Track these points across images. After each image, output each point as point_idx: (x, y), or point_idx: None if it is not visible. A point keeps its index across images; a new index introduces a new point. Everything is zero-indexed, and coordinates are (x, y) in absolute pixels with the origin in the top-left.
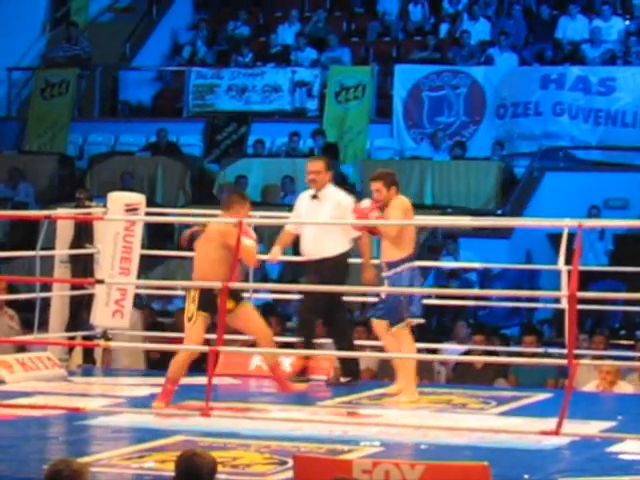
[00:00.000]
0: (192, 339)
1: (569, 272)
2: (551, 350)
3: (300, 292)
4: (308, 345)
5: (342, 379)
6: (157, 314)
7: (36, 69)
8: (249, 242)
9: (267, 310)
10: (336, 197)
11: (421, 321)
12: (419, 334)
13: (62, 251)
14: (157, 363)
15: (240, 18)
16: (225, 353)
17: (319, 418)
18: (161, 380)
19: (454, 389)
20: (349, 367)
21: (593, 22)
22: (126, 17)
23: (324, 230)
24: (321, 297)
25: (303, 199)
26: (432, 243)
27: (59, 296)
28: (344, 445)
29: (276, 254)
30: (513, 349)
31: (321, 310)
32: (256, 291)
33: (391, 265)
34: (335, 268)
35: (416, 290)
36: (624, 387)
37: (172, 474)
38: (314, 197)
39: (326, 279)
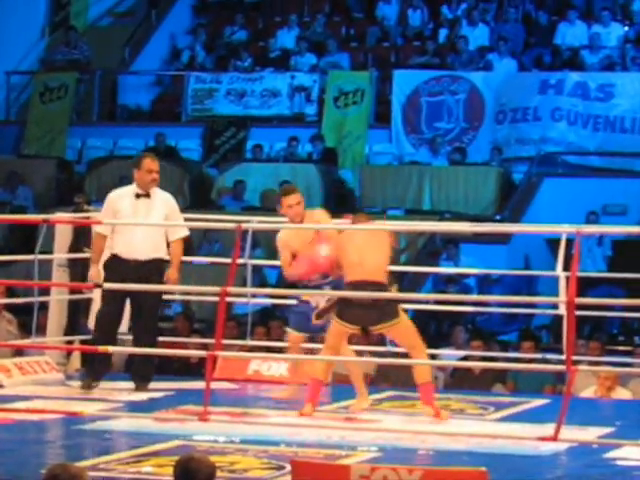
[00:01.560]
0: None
1: (567, 278)
2: (549, 356)
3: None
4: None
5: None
6: None
7: (35, 73)
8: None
9: (266, 315)
10: (164, 195)
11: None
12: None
13: (60, 255)
14: (155, 368)
15: (238, 23)
16: (223, 358)
17: (317, 423)
18: (159, 385)
19: (452, 394)
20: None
21: (592, 28)
22: (125, 21)
23: (158, 230)
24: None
25: (122, 197)
26: (431, 248)
27: (57, 300)
28: (342, 450)
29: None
30: (511, 355)
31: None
32: (254, 296)
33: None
34: (163, 271)
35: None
36: (622, 393)
37: (170, 478)
38: (140, 196)
39: (155, 282)
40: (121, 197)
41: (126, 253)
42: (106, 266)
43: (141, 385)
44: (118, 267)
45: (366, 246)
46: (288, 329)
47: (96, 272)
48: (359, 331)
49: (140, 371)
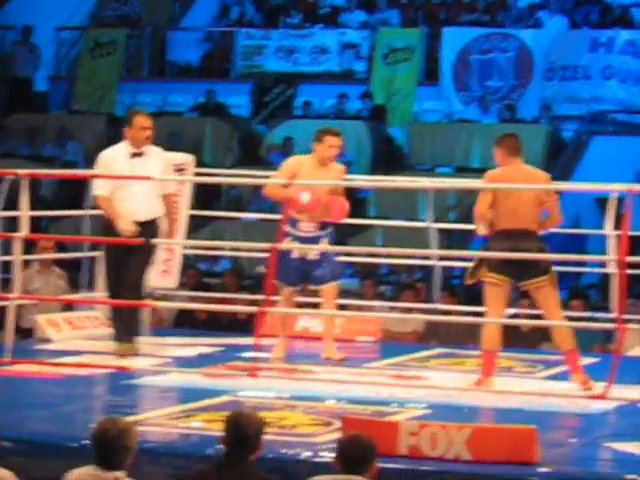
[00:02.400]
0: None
1: (617, 237)
2: (598, 314)
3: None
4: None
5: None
6: (203, 274)
7: (85, 29)
8: None
9: None
10: (156, 149)
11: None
12: (467, 297)
13: None
14: (204, 324)
15: None
16: (272, 314)
17: (366, 380)
18: (209, 340)
19: (500, 352)
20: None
21: None
22: None
23: (156, 188)
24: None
25: (116, 158)
26: None
27: None
28: (390, 407)
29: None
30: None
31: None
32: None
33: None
34: (158, 229)
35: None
36: None
37: (219, 434)
38: (135, 155)
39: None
40: (115, 157)
41: (125, 214)
42: (103, 231)
43: (121, 340)
44: (116, 231)
45: (522, 194)
46: (276, 282)
47: (127, 222)
48: (508, 284)
49: (122, 327)
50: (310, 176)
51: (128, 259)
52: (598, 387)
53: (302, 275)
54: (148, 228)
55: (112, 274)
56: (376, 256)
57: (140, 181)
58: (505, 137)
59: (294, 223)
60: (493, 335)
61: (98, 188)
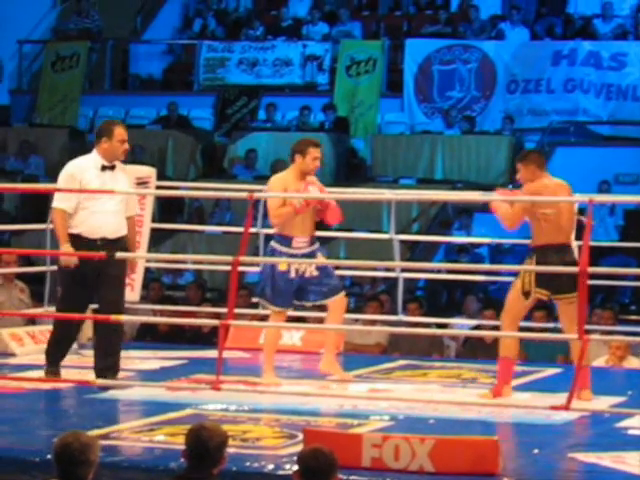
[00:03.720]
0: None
1: (579, 247)
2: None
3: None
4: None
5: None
6: (167, 288)
7: (47, 42)
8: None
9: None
10: (122, 165)
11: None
12: (429, 309)
13: None
14: (167, 337)
15: None
16: (235, 327)
17: (329, 392)
18: (172, 353)
19: (464, 364)
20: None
21: None
22: None
23: (124, 205)
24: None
25: (86, 169)
26: (443, 218)
27: None
28: (354, 419)
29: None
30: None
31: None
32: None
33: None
34: (126, 249)
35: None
36: (634, 362)
37: (182, 447)
38: (106, 168)
39: (120, 262)
40: (85, 169)
41: (92, 232)
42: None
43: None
44: (81, 249)
45: (564, 207)
46: (270, 306)
47: (70, 255)
48: (547, 298)
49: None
50: (298, 191)
51: (100, 279)
52: (560, 398)
53: (300, 295)
54: (118, 246)
55: (76, 292)
56: (339, 268)
57: (111, 196)
58: (530, 153)
59: (287, 241)
60: (511, 342)
61: (59, 200)
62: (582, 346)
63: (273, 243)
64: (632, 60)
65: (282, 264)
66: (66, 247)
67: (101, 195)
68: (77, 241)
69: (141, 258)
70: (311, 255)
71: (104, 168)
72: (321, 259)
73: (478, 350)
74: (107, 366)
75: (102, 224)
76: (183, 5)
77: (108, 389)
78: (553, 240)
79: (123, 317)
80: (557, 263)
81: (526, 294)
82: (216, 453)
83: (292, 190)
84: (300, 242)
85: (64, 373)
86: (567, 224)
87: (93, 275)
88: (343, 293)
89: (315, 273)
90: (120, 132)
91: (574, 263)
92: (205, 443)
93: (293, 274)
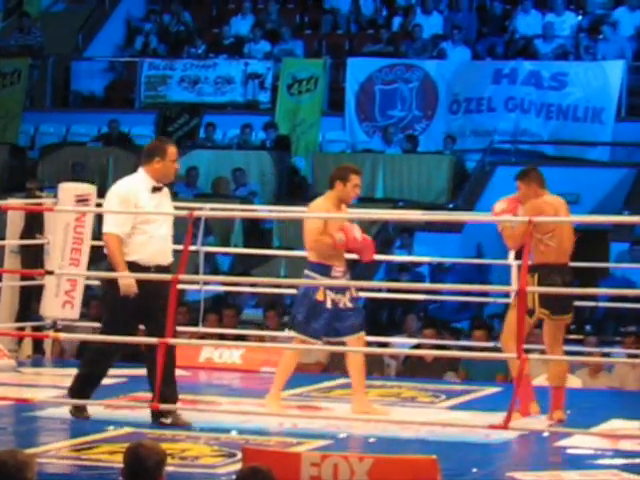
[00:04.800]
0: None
1: (519, 267)
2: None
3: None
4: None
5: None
6: None
7: None
8: None
9: (218, 302)
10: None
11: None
12: (369, 327)
13: (12, 241)
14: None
15: (192, 9)
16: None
17: (268, 411)
18: (111, 371)
19: (404, 382)
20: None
21: (546, 17)
22: (78, 7)
23: (171, 231)
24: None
25: (139, 191)
26: (384, 236)
27: (9, 286)
28: (293, 438)
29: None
30: (463, 343)
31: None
32: (206, 283)
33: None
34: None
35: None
36: (572, 381)
37: (121, 465)
38: (156, 189)
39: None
40: (138, 191)
41: (150, 259)
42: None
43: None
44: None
45: (565, 227)
46: (301, 335)
47: (131, 280)
48: (547, 318)
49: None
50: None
51: (152, 307)
52: (499, 417)
53: (331, 326)
54: (168, 273)
55: (126, 320)
56: (280, 286)
57: (165, 219)
58: (530, 171)
59: (326, 270)
60: (561, 370)
61: (112, 225)
62: (520, 365)
63: (310, 272)
64: (573, 80)
65: (319, 294)
66: (127, 275)
67: (156, 219)
68: (132, 269)
69: (81, 276)
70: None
71: (155, 189)
72: (352, 289)
73: (418, 369)
74: (171, 393)
75: (158, 250)
76: (125, 22)
77: (46, 407)
78: (555, 260)
79: (62, 335)
80: (560, 284)
81: (530, 312)
82: (154, 472)
83: (332, 219)
84: (338, 272)
85: (1, 390)
86: (567, 244)
87: (145, 304)
88: (363, 332)
89: (349, 305)
90: (173, 151)
91: (573, 284)
92: (142, 461)
93: (329, 304)
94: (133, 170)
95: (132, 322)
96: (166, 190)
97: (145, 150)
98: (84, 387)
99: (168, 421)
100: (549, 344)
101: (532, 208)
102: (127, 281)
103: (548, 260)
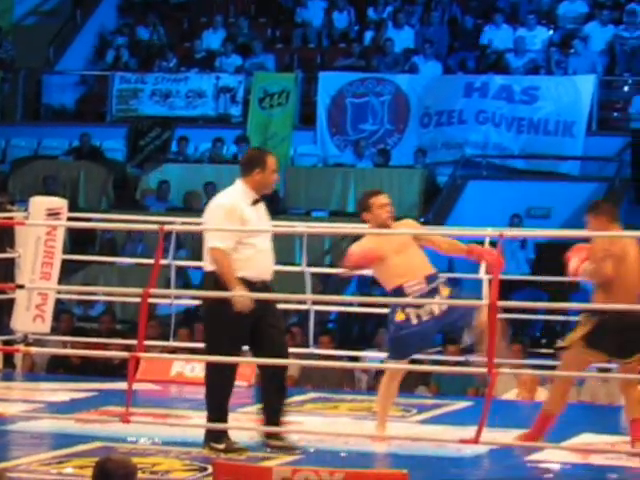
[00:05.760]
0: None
1: (490, 281)
2: (472, 358)
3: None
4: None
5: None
6: (78, 319)
7: None
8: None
9: (190, 316)
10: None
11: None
12: (341, 341)
13: None
14: (78, 368)
15: (163, 23)
16: (146, 359)
17: (240, 425)
18: (82, 385)
19: (375, 396)
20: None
21: (517, 31)
22: (50, 21)
23: (271, 244)
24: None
25: (242, 205)
26: None
27: None
28: (264, 452)
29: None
30: (434, 357)
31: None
32: (178, 297)
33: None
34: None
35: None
36: (544, 395)
37: None
38: (256, 202)
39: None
40: (240, 205)
41: (259, 273)
42: (215, 289)
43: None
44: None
45: (635, 263)
46: (391, 360)
47: (246, 295)
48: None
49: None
50: (396, 244)
51: (262, 323)
52: (470, 431)
53: (426, 340)
54: (272, 288)
55: (236, 339)
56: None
57: (268, 235)
58: (602, 203)
59: (398, 292)
60: (555, 400)
61: (219, 240)
62: (491, 380)
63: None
64: (544, 94)
65: (399, 314)
66: (241, 290)
67: (258, 234)
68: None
69: (52, 290)
70: (431, 293)
71: (255, 202)
72: (444, 291)
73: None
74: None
75: (265, 265)
76: (96, 36)
77: (17, 421)
78: (627, 300)
79: (33, 349)
80: (624, 329)
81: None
82: None
83: (388, 247)
84: (413, 286)
85: None
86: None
87: (254, 322)
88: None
89: (444, 307)
90: (272, 161)
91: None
92: (110, 475)
93: (415, 320)
94: (104, 184)
95: (239, 342)
96: (262, 203)
97: (244, 161)
98: (219, 418)
99: (279, 443)
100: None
101: (612, 247)
102: (242, 297)
103: (618, 299)
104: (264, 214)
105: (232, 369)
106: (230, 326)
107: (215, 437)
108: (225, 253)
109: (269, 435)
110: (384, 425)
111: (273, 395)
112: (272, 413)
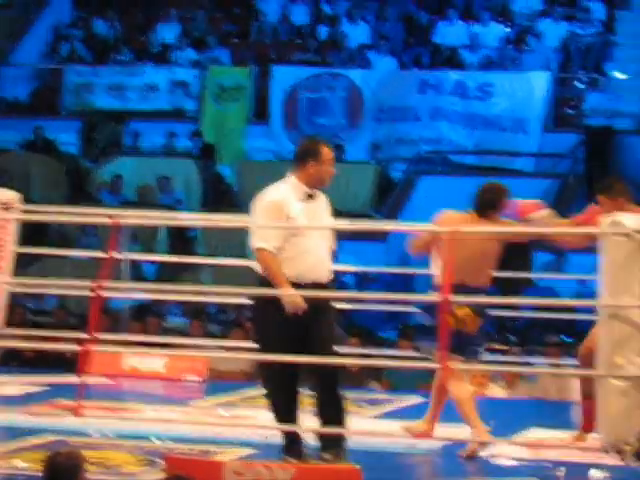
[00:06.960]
0: None
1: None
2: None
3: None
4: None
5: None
6: (32, 313)
7: None
8: None
9: (142, 310)
10: (320, 192)
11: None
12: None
13: None
14: (31, 362)
15: (115, 16)
16: (99, 353)
17: (192, 419)
18: (35, 378)
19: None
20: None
21: (472, 27)
22: (3, 13)
23: (329, 240)
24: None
25: (290, 200)
26: None
27: None
28: (216, 446)
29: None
30: (387, 352)
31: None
32: (130, 291)
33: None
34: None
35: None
36: (496, 391)
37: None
38: (309, 197)
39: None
40: (288, 200)
41: (300, 274)
42: (271, 299)
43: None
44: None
45: None
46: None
47: (297, 296)
48: None
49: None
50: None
51: (314, 324)
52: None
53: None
54: (329, 291)
55: (287, 342)
56: (205, 295)
57: (321, 232)
58: (615, 183)
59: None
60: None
61: (263, 239)
62: (443, 374)
63: None
64: (498, 91)
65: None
66: (291, 291)
67: (308, 231)
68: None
69: (4, 284)
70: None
71: (309, 197)
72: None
73: (343, 377)
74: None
75: (313, 265)
76: (50, 29)
77: None
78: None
79: None
80: None
81: None
82: (71, 478)
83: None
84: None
85: None
86: None
87: (306, 322)
88: None
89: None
90: (327, 152)
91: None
92: (59, 469)
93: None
94: (58, 177)
95: (291, 342)
96: (323, 197)
97: (297, 152)
98: (286, 420)
99: (328, 457)
100: None
101: None
102: (292, 297)
103: None
104: (322, 211)
105: (282, 374)
106: (278, 327)
107: (285, 448)
108: (270, 254)
109: (324, 447)
110: (480, 426)
111: (327, 408)
112: (328, 425)
